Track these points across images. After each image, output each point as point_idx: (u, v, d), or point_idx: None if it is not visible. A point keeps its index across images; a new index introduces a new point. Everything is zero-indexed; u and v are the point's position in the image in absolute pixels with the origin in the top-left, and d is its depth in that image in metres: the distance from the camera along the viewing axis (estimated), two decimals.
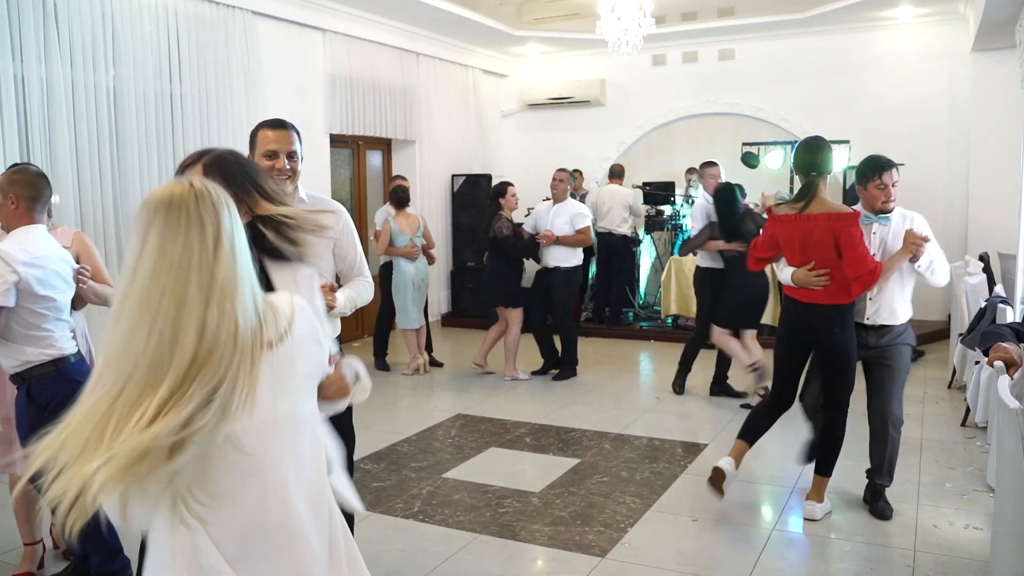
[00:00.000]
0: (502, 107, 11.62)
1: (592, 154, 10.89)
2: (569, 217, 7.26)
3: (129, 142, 6.35)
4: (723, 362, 6.74)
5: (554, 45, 10.86)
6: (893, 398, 4.15)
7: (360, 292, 3.14)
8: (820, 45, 9.77)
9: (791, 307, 4.18)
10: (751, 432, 4.35)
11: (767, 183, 9.66)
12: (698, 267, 6.69)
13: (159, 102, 6.61)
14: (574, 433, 5.80)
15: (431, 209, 10.22)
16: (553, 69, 11.37)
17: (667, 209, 10.16)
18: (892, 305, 4.11)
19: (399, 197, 7.59)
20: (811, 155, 4.08)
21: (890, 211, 4.06)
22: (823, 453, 4.23)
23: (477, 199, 10.21)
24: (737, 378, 6.71)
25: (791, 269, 4.08)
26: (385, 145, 10.02)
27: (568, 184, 7.51)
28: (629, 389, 7.21)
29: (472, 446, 5.56)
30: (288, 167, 2.93)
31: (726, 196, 6.31)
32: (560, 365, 7.50)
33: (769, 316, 7.37)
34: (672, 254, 9.63)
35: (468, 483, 4.83)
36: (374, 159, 9.97)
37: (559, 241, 7.20)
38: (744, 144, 9.51)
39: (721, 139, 10.38)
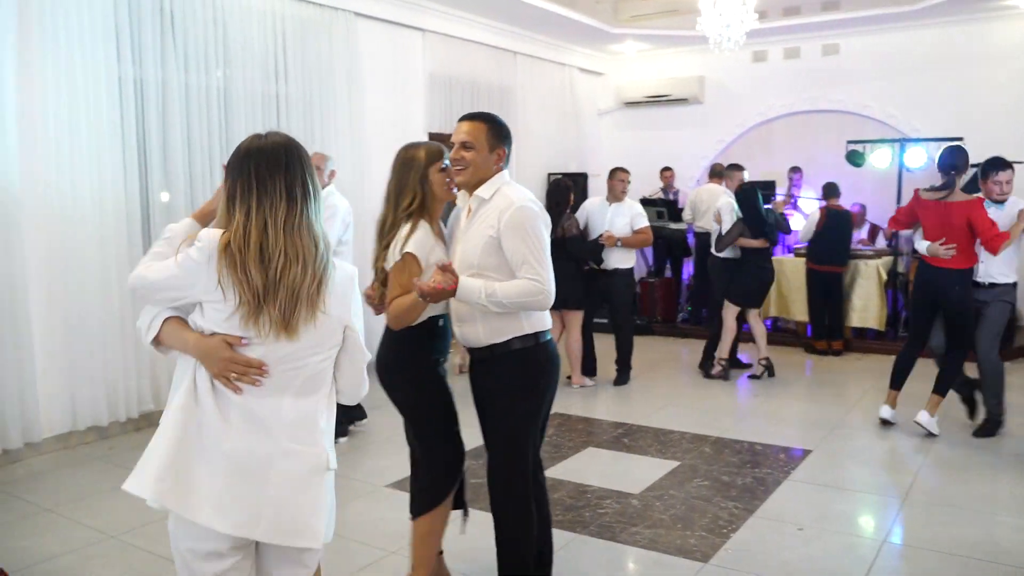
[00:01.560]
0: (598, 105, 11.56)
1: (689, 153, 10.74)
2: (629, 218, 7.08)
3: (238, 140, 6.53)
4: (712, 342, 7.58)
5: (652, 42, 10.74)
6: (986, 341, 5.47)
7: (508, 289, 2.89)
8: (931, 38, 9.39)
9: (925, 271, 5.51)
10: (899, 379, 5.72)
11: (873, 183, 9.36)
12: (718, 258, 7.50)
13: (266, 102, 6.81)
14: (672, 435, 5.73)
15: None
16: (650, 67, 11.25)
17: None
18: (996, 267, 5.46)
19: None
20: (953, 158, 5.52)
21: (1004, 201, 5.42)
22: (941, 379, 5.53)
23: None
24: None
25: (927, 243, 5.40)
26: None
27: (628, 184, 7.29)
28: (726, 392, 7.08)
29: (569, 445, 5.54)
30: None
31: (749, 196, 7.24)
32: (618, 369, 7.35)
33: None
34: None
35: (566, 482, 4.81)
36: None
37: (621, 243, 7.01)
38: (849, 142, 9.21)
39: (824, 137, 10.08)
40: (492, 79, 9.46)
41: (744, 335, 7.58)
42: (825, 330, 8.41)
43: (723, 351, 7.38)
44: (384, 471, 5.04)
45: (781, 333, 9.05)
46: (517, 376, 3.04)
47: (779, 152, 10.41)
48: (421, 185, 3.04)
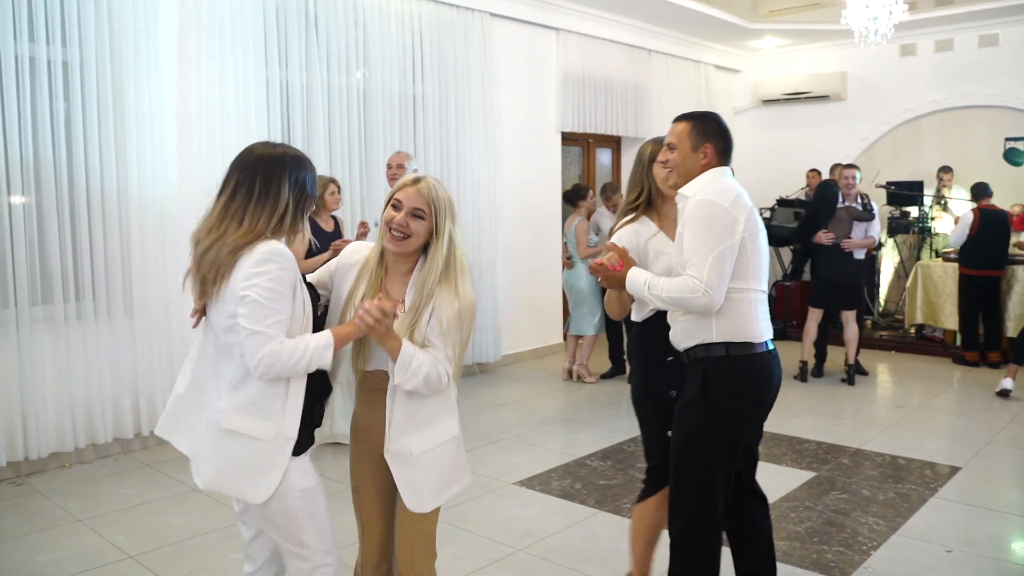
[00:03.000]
0: (734, 103, 11.27)
1: (830, 151, 10.31)
2: None
3: (375, 140, 6.74)
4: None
5: (792, 38, 10.39)
6: None
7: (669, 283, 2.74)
8: None
9: None
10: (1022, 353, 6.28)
11: None
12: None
13: (403, 102, 6.97)
14: (808, 444, 5.52)
15: None
16: (790, 63, 10.89)
17: (913, 211, 9.45)
18: None
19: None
20: None
21: None
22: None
23: None
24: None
25: None
26: (615, 143, 10.02)
27: None
28: (867, 401, 6.76)
29: None
30: None
31: (823, 192, 7.28)
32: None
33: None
34: (918, 259, 8.97)
35: None
36: (603, 157, 10.00)
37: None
38: (1007, 139, 8.64)
39: (978, 134, 9.49)
40: (626, 77, 9.37)
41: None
42: (978, 340, 7.89)
43: (801, 352, 7.44)
44: (514, 468, 5.07)
45: (928, 342, 8.59)
46: (694, 389, 2.79)
47: (928, 151, 9.87)
48: (645, 179, 3.06)
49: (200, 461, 2.27)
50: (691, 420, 2.79)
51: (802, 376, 7.34)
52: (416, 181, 2.42)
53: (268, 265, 2.14)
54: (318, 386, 2.34)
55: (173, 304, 5.48)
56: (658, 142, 3.07)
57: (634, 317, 3.12)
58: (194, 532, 4.12)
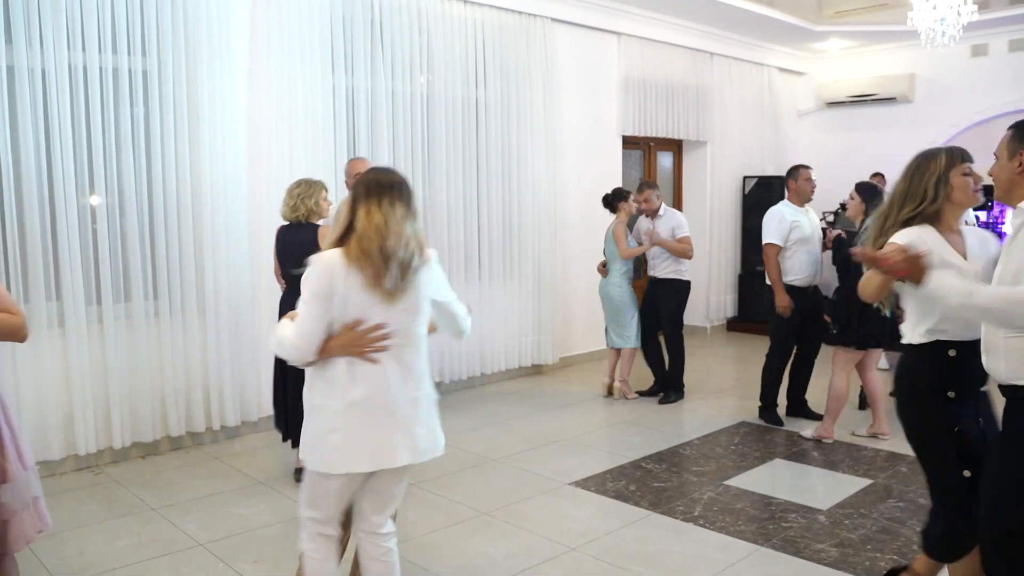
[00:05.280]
0: (798, 106, 11.17)
1: (897, 155, 9.98)
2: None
3: (438, 144, 6.88)
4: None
5: (857, 39, 10.24)
6: None
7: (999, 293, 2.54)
8: None
9: None
10: None
11: None
12: None
13: (466, 107, 7.10)
14: (866, 452, 5.49)
15: (720, 212, 10.09)
16: (855, 65, 10.74)
17: (983, 215, 9.26)
18: None
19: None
20: None
21: None
22: None
23: (769, 201, 9.89)
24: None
25: None
26: (676, 146, 10.03)
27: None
28: None
29: (755, 455, 5.44)
30: None
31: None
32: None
33: None
34: None
35: (751, 492, 4.74)
36: (664, 160, 10.01)
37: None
38: None
39: None
40: (688, 81, 9.38)
41: None
42: None
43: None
44: (570, 469, 5.16)
45: None
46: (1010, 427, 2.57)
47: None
48: (937, 189, 2.94)
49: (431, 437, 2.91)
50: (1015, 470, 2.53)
51: (861, 403, 6.73)
52: None
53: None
54: None
55: (243, 303, 5.72)
56: (953, 152, 2.99)
57: (909, 338, 2.96)
58: (261, 523, 4.31)
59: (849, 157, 10.33)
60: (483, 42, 7.19)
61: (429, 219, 6.85)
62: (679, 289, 6.85)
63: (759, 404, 6.36)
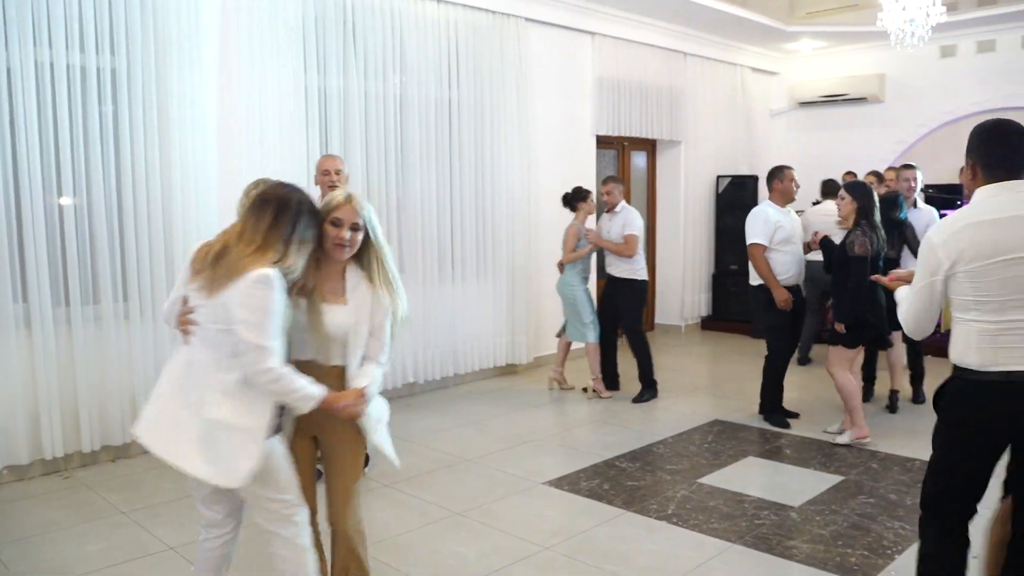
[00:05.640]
0: (771, 106, 11.25)
1: (868, 154, 10.23)
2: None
3: (412, 145, 6.86)
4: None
5: (829, 40, 10.34)
6: None
7: None
8: None
9: None
10: None
11: None
12: None
13: (439, 107, 7.08)
14: (838, 449, 5.53)
15: (694, 211, 10.14)
16: (827, 65, 10.83)
17: (951, 214, 9.36)
18: None
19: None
20: None
21: None
22: None
23: (742, 201, 9.99)
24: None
25: None
26: (650, 146, 10.06)
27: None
28: (901, 407, 6.72)
29: (729, 453, 5.47)
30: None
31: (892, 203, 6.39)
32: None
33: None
34: None
35: (724, 490, 4.76)
36: (638, 160, 10.04)
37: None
38: None
39: None
40: (661, 81, 9.41)
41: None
42: None
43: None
44: (544, 469, 5.16)
45: None
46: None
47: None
48: None
49: (196, 456, 2.61)
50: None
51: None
52: (349, 200, 2.80)
53: (265, 287, 2.52)
54: None
55: None
56: None
57: None
58: None
59: (821, 156, 10.42)
60: (456, 42, 7.17)
61: (402, 220, 6.82)
62: (635, 288, 6.88)
63: (761, 407, 6.26)
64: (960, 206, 8.98)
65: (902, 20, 7.35)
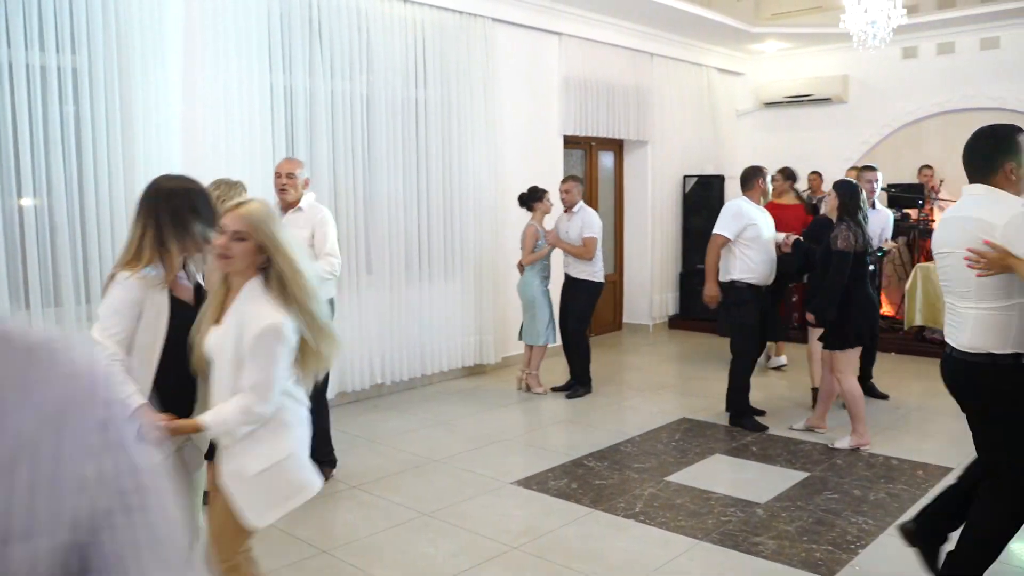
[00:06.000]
0: (737, 106, 11.35)
1: (832, 154, 10.37)
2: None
3: (378, 145, 6.83)
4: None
5: (793, 41, 10.46)
6: None
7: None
8: None
9: None
10: None
11: None
12: None
13: (405, 107, 7.05)
14: (803, 445, 5.60)
15: (661, 210, 10.20)
16: (792, 66, 10.96)
17: (913, 213, 9.50)
18: None
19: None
20: None
21: None
22: None
23: (709, 200, 10.07)
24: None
25: None
26: (617, 146, 10.11)
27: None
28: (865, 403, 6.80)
29: (696, 451, 5.51)
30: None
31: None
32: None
33: None
34: (917, 261, 9.02)
35: (691, 488, 4.80)
36: (606, 160, 10.08)
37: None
38: None
39: None
40: (628, 81, 9.46)
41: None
42: None
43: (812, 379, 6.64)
44: (512, 468, 5.17)
45: (928, 344, 8.64)
46: None
47: (929, 154, 9.92)
48: None
49: None
50: None
51: (815, 405, 6.33)
52: (236, 206, 2.56)
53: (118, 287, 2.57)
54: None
55: None
56: None
57: None
58: None
59: (787, 156, 10.47)
60: (423, 41, 7.16)
61: (369, 220, 6.79)
62: (589, 290, 6.91)
63: (729, 411, 6.18)
64: (921, 205, 9.17)
65: (864, 22, 7.46)
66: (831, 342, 5.49)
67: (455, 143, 7.44)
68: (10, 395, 0.74)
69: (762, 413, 6.25)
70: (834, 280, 5.34)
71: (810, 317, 5.52)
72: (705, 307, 6.52)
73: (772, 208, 6.65)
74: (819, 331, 6.12)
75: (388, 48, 6.84)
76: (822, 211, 5.75)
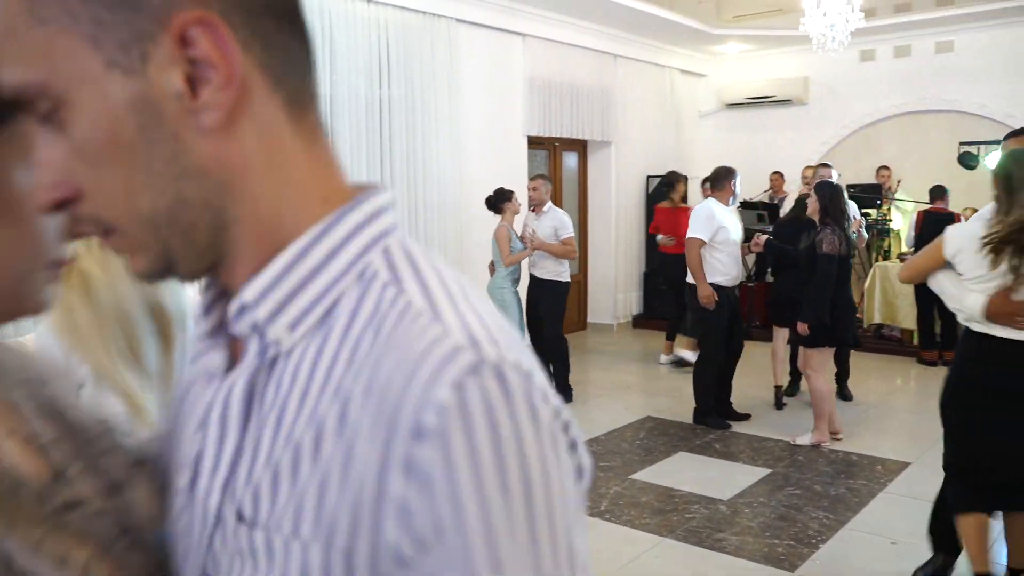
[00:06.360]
0: (699, 107, 11.46)
1: (793, 155, 10.50)
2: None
3: (341, 144, 6.79)
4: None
5: (754, 43, 10.58)
6: None
7: None
8: None
9: None
10: None
11: (986, 186, 8.96)
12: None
13: (369, 107, 7.02)
14: (766, 443, 5.67)
15: (625, 210, 10.26)
16: (753, 67, 11.09)
17: (872, 212, 9.66)
18: None
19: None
20: None
21: None
22: None
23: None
24: None
25: None
26: (581, 147, 10.15)
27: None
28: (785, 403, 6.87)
29: (661, 449, 5.55)
30: None
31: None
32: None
33: None
34: (875, 260, 9.18)
35: (655, 486, 4.84)
36: (570, 160, 10.12)
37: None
38: (962, 143, 8.87)
39: (936, 138, 9.73)
40: (591, 82, 9.50)
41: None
42: (934, 340, 8.08)
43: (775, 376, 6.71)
44: None
45: (886, 341, 8.79)
46: None
47: (887, 155, 10.10)
48: None
49: None
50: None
51: (777, 403, 6.61)
52: None
53: None
54: None
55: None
56: None
57: None
58: None
59: (749, 157, 10.63)
60: (387, 42, 7.13)
61: None
62: (556, 291, 6.77)
63: (696, 409, 6.15)
64: (879, 205, 9.32)
65: (823, 25, 7.57)
66: (809, 340, 5.45)
67: (419, 143, 7.42)
68: None
69: (747, 417, 6.21)
70: (822, 285, 5.28)
71: (803, 328, 5.39)
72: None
73: (680, 213, 6.70)
74: (785, 331, 6.26)
75: (352, 48, 6.81)
76: (782, 212, 5.81)
